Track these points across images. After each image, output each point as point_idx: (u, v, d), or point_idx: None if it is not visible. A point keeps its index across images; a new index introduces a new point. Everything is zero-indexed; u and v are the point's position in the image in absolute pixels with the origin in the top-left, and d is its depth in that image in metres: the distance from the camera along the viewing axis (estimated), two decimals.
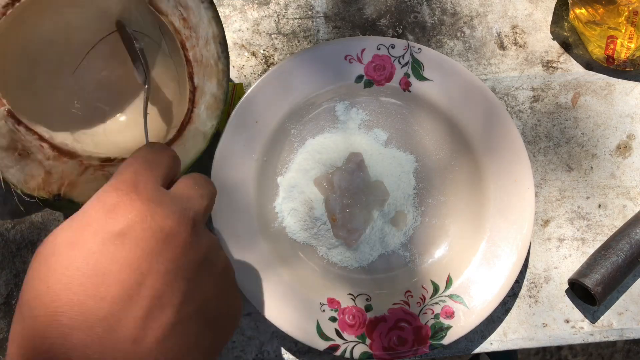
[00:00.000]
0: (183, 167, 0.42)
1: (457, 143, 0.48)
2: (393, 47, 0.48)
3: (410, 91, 0.48)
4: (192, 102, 0.43)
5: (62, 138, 0.43)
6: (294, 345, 0.46)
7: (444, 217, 0.47)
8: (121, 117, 0.48)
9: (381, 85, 0.48)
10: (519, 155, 0.46)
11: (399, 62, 0.48)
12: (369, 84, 0.48)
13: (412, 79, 0.48)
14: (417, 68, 0.48)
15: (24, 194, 0.39)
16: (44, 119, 0.43)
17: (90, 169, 0.40)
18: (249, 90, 0.46)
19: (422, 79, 0.48)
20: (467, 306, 0.44)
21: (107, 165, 0.41)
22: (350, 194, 0.46)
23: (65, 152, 0.40)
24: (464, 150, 0.47)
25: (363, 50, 0.48)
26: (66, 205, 0.40)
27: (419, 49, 0.48)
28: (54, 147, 0.40)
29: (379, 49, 0.48)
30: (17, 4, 0.39)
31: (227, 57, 0.44)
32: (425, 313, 0.44)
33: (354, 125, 0.48)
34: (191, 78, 0.42)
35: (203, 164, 0.49)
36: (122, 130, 0.47)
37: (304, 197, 0.47)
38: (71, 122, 0.45)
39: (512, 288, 0.47)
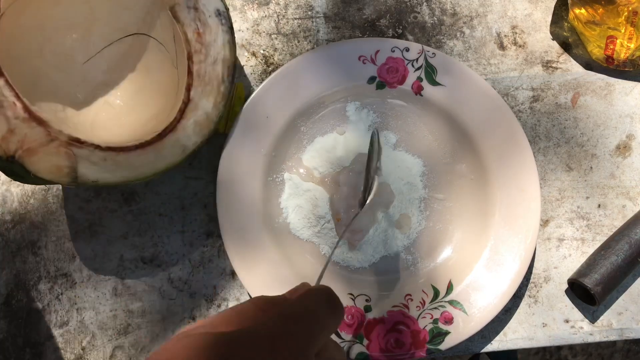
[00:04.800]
0: (151, 172, 0.42)
1: (465, 150, 0.48)
2: (407, 50, 0.48)
3: (422, 95, 0.48)
4: (182, 112, 0.42)
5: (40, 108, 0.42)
6: None
7: (449, 222, 0.47)
8: (116, 114, 0.48)
9: (393, 88, 0.48)
10: (527, 165, 0.46)
11: (413, 66, 0.48)
12: (381, 86, 0.48)
13: (425, 83, 0.48)
14: (430, 72, 0.48)
15: None
16: (30, 90, 0.42)
17: (55, 142, 0.39)
18: (261, 85, 0.47)
19: (435, 83, 0.48)
20: (466, 313, 0.44)
21: (74, 145, 0.40)
22: (356, 194, 0.46)
23: (36, 118, 0.39)
24: (472, 157, 0.47)
25: (377, 51, 0.48)
26: (18, 171, 0.39)
27: (433, 53, 0.48)
28: (26, 109, 0.38)
29: (393, 51, 0.48)
30: None
31: (231, 83, 0.44)
32: (424, 317, 0.44)
33: (363, 126, 0.48)
34: (188, 89, 0.42)
35: (211, 156, 0.49)
36: (108, 124, 0.47)
37: (310, 195, 0.47)
38: (59, 101, 0.45)
39: None
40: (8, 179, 0.49)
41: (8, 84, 0.38)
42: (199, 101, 0.43)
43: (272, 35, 0.52)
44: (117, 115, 0.48)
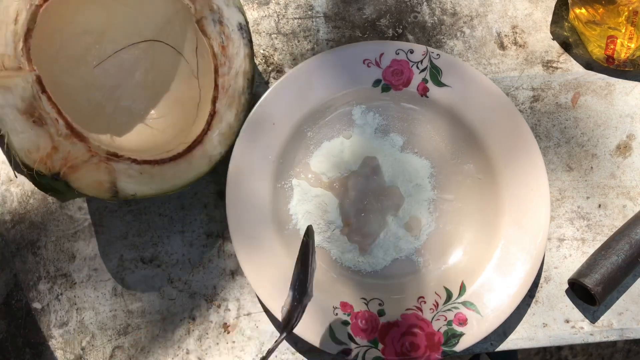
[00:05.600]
0: (182, 183, 0.43)
1: (473, 150, 0.48)
2: (412, 52, 0.48)
3: (427, 97, 0.48)
4: (209, 124, 0.43)
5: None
6: (294, 345, 0.46)
7: (458, 223, 0.47)
8: (132, 120, 0.48)
9: (399, 90, 0.48)
10: (536, 164, 0.46)
11: (417, 68, 0.48)
12: (386, 89, 0.48)
13: (430, 85, 0.48)
14: (435, 74, 0.48)
15: (23, 164, 0.37)
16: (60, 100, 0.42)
17: (95, 157, 0.40)
18: (266, 92, 0.47)
19: (440, 84, 0.48)
20: (480, 314, 0.44)
21: (112, 160, 0.40)
22: (365, 198, 0.46)
23: (77, 134, 0.39)
24: (480, 157, 0.47)
25: (381, 54, 0.48)
26: (60, 188, 0.39)
27: (437, 54, 0.48)
28: (68, 125, 0.39)
29: (398, 53, 0.48)
30: None
31: (250, 94, 0.45)
32: (438, 319, 0.44)
33: (370, 130, 0.48)
34: (214, 102, 0.43)
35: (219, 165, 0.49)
36: (124, 129, 0.47)
37: (319, 200, 0.47)
38: (75, 106, 0.45)
39: None
40: (8, 178, 0.49)
41: (50, 100, 0.38)
42: (223, 113, 0.44)
43: (272, 35, 0.52)
44: (133, 120, 0.48)
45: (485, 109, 0.47)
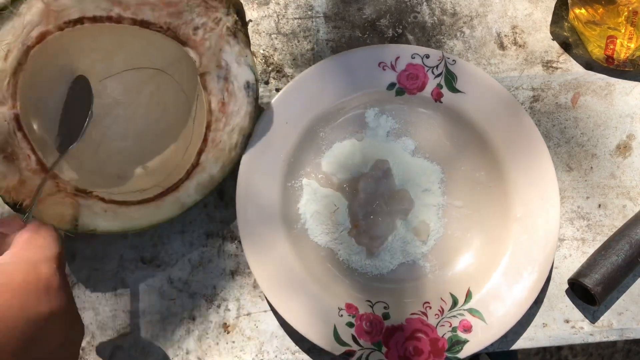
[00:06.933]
0: (147, 224, 0.43)
1: (485, 157, 0.48)
2: (427, 57, 0.48)
3: (441, 102, 0.48)
4: (189, 174, 0.43)
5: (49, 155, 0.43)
6: (294, 345, 0.46)
7: (467, 230, 0.47)
8: (121, 128, 0.48)
9: (413, 95, 0.48)
10: (547, 172, 0.46)
11: (433, 73, 0.48)
12: (400, 92, 0.48)
13: (445, 90, 0.48)
14: (450, 79, 0.48)
15: None
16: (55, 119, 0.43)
17: (61, 192, 0.41)
18: (281, 91, 0.46)
19: (455, 90, 0.48)
20: (485, 322, 0.44)
21: (79, 195, 0.42)
22: (375, 200, 0.46)
23: (47, 170, 0.41)
24: (492, 165, 0.47)
25: (397, 58, 0.48)
26: (24, 214, 0.40)
27: (453, 60, 0.47)
28: (40, 161, 0.40)
29: (414, 57, 0.48)
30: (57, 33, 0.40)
31: (242, 149, 0.45)
32: (443, 325, 0.44)
33: (382, 133, 0.48)
34: (199, 154, 0.43)
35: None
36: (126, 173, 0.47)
37: (328, 201, 0.47)
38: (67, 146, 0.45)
39: None
40: None
41: (25, 138, 0.40)
42: (207, 165, 0.43)
43: (272, 35, 0.52)
44: (126, 131, 0.48)
45: (500, 118, 0.47)
